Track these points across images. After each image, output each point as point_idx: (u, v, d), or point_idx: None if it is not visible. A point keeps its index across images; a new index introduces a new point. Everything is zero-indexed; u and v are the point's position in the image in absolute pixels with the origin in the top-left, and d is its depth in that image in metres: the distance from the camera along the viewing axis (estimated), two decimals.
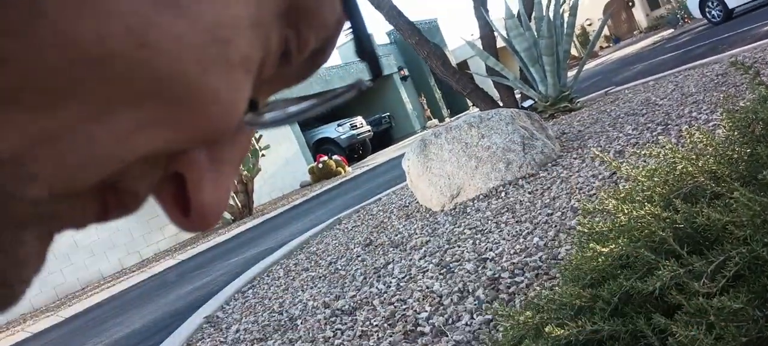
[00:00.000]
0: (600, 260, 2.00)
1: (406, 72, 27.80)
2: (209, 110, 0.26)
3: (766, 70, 5.60)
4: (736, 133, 1.95)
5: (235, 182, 13.99)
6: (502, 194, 4.94)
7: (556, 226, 3.53)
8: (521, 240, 3.53)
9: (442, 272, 3.60)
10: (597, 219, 2.21)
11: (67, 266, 13.23)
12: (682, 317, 1.49)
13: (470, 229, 4.33)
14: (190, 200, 0.30)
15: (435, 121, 26.72)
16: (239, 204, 14.24)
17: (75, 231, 0.29)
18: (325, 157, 17.01)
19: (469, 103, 15.68)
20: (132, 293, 9.40)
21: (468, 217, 4.74)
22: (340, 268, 4.95)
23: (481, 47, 9.11)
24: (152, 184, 0.29)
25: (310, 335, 3.53)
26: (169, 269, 10.69)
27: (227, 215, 14.26)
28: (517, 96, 9.39)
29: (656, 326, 1.53)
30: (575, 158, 5.03)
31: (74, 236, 13.40)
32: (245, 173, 14.05)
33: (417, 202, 6.12)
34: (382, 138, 23.56)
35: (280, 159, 17.54)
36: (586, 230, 2.13)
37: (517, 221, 3.99)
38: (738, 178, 1.81)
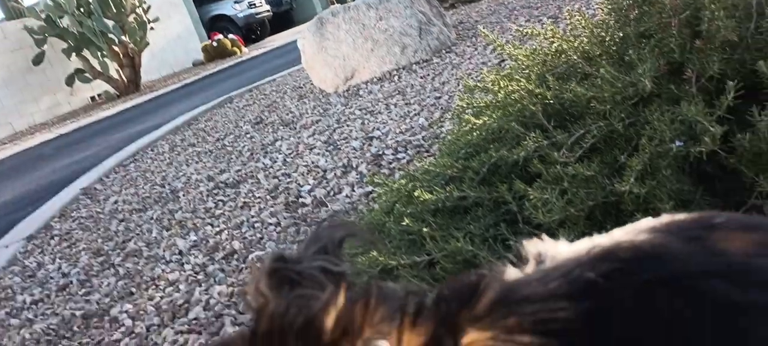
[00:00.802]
0: (474, 134, 2.05)
1: None
2: None
3: None
4: (612, 16, 2.01)
5: (121, 55, 13.10)
6: (396, 78, 4.94)
7: (442, 108, 3.59)
8: (408, 121, 3.57)
9: (328, 149, 3.59)
10: (477, 96, 2.25)
11: None
12: (540, 184, 1.56)
13: (361, 110, 4.32)
14: None
15: (338, 6, 25.98)
16: (125, 79, 13.38)
17: None
18: (220, 36, 16.19)
19: None
20: (2, 166, 8.77)
21: (360, 99, 4.72)
22: (227, 144, 4.83)
23: None
24: None
25: (192, 206, 3.45)
26: (45, 143, 10.01)
27: (112, 90, 13.42)
28: None
29: (516, 192, 1.60)
30: (469, 46, 5.09)
31: None
32: (132, 45, 13.14)
33: (311, 83, 6.01)
34: (283, 19, 22.68)
35: (171, 34, 16.48)
36: (465, 105, 2.17)
37: (406, 103, 4.02)
38: (608, 58, 1.88)
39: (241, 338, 0.50)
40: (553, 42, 2.00)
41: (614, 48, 1.91)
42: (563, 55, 1.96)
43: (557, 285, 0.48)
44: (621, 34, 1.91)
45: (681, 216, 0.57)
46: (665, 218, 0.57)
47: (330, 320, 0.47)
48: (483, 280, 0.49)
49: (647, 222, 0.57)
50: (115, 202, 4.16)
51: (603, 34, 1.91)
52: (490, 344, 0.45)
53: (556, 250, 0.57)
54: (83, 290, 2.77)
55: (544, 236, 0.59)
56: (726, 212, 0.56)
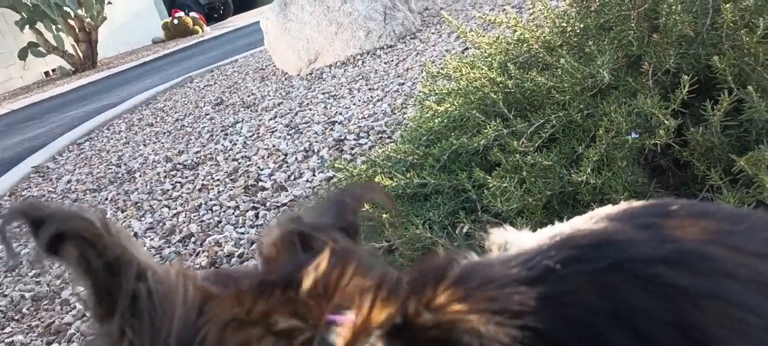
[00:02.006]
0: (436, 121, 2.05)
1: None
2: None
3: None
4: (574, 6, 2.03)
5: (77, 30, 12.70)
6: (359, 63, 4.91)
7: (405, 94, 3.59)
8: (371, 106, 3.56)
9: (290, 132, 3.55)
10: (440, 83, 2.25)
11: None
12: (499, 173, 1.57)
13: (324, 93, 4.28)
14: None
15: None
16: (80, 54, 12.97)
17: None
18: (182, 13, 15.83)
19: None
20: None
21: (323, 82, 4.68)
22: (186, 125, 4.74)
23: None
24: None
25: (148, 187, 3.38)
26: None
27: (67, 66, 13.00)
28: None
29: (476, 180, 1.61)
30: (433, 33, 5.09)
31: None
32: (88, 20, 12.74)
33: (274, 65, 5.93)
34: None
35: (131, 10, 16.03)
36: (427, 92, 2.17)
37: (369, 89, 4.00)
38: (569, 49, 1.90)
39: (249, 278, 0.53)
40: (515, 31, 2.01)
41: (575, 39, 1.93)
42: (525, 45, 1.97)
43: (517, 270, 0.50)
44: (582, 26, 1.93)
45: (638, 203, 0.58)
46: (622, 206, 0.59)
47: (308, 281, 0.50)
48: (448, 263, 0.51)
49: (606, 210, 0.59)
50: (69, 181, 4.05)
51: (564, 24, 1.93)
52: (448, 325, 0.47)
53: (520, 239, 0.58)
54: (33, 272, 2.69)
55: (508, 226, 0.61)
56: (681, 200, 0.58)
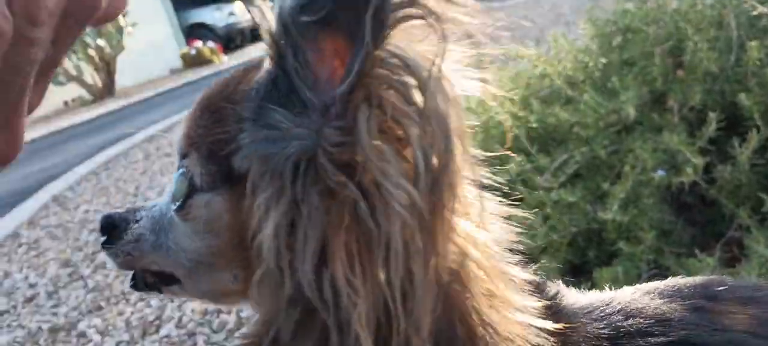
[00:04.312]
0: None
1: None
2: None
3: None
4: (595, 42, 2.03)
5: (96, 59, 12.92)
6: None
7: None
8: None
9: None
10: None
11: None
12: (522, 208, 1.55)
13: None
14: None
15: None
16: (100, 83, 13.18)
17: None
18: (199, 43, 16.06)
19: None
20: None
21: None
22: None
23: None
24: None
25: None
26: None
27: (85, 95, 13.21)
28: None
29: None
30: None
31: None
32: (108, 50, 12.97)
33: None
34: None
35: (149, 40, 16.28)
36: None
37: None
38: (591, 84, 1.89)
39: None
40: (536, 66, 2.01)
41: (597, 74, 1.92)
42: (547, 79, 1.96)
43: (601, 325, 0.60)
44: (604, 61, 1.92)
45: (687, 281, 0.67)
46: (671, 282, 0.67)
47: None
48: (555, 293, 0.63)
49: (655, 285, 0.71)
50: (86, 211, 4.07)
51: (586, 59, 1.92)
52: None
53: (570, 293, 0.67)
54: (51, 303, 2.69)
55: (560, 282, 0.68)
56: (727, 280, 0.66)
